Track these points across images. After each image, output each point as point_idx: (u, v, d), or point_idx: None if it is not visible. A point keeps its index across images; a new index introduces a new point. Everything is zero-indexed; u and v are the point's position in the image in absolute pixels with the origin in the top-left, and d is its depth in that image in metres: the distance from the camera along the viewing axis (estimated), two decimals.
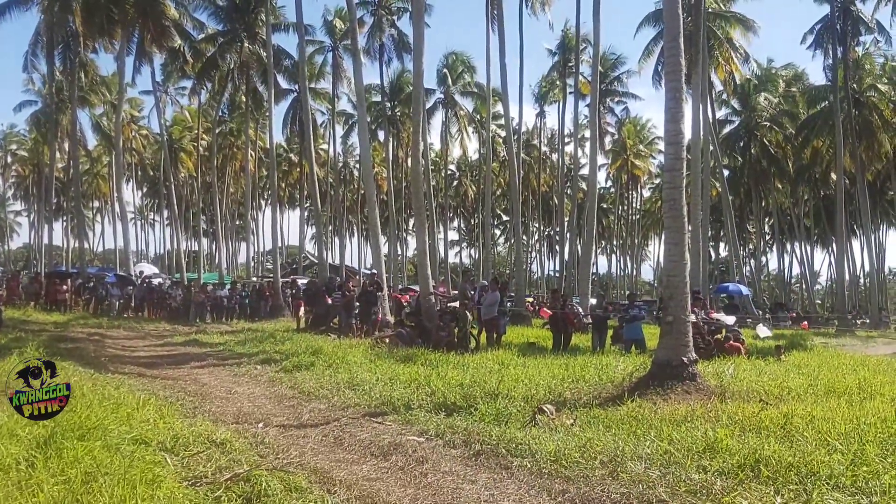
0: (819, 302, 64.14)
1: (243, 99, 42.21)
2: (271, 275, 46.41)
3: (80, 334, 19.66)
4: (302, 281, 33.35)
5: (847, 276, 44.74)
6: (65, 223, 70.22)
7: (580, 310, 20.84)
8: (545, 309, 19.01)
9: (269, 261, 66.22)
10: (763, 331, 18.87)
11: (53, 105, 40.61)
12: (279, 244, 42.42)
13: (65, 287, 29.56)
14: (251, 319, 28.83)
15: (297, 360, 13.52)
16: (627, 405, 8.39)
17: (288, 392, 10.50)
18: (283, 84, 43.22)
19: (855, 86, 43.70)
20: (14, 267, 64.30)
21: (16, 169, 69.81)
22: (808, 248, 61.70)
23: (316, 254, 56.73)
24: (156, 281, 34.93)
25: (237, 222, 70.06)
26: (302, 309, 25.43)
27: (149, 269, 44.27)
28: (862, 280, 53.54)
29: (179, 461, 5.45)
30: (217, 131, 48.92)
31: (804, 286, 65.76)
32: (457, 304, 17.27)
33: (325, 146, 57.51)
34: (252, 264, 59.66)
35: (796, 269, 65.97)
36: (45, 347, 13.01)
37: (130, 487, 3.99)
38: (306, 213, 57.35)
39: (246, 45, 37.69)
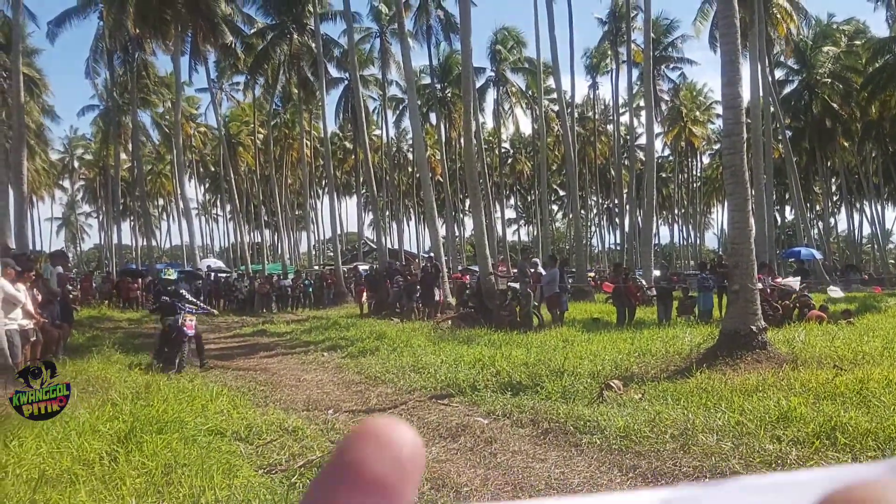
0: (893, 262, 61.83)
1: (295, 90, 42.69)
2: (333, 262, 47.12)
3: (152, 330, 20.31)
4: (363, 267, 33.74)
5: None
6: (132, 222, 72.39)
7: (643, 282, 20.57)
8: (607, 283, 18.79)
9: (330, 249, 67.18)
10: (835, 293, 18.31)
11: (115, 108, 41.78)
12: (338, 232, 42.88)
13: (136, 285, 30.52)
14: (315, 307, 29.37)
15: (361, 345, 13.72)
16: (696, 377, 8.28)
17: (355, 377, 10.67)
18: (334, 73, 43.61)
19: None
20: (87, 268, 66.66)
21: (83, 172, 72.14)
22: (879, 207, 59.48)
23: (375, 239, 57.28)
24: (222, 274, 35.80)
25: (297, 212, 71.11)
26: (364, 295, 25.75)
27: (215, 263, 45.38)
28: None
29: (254, 450, 5.60)
30: (272, 124, 49.65)
31: (876, 246, 63.54)
32: (517, 283, 17.23)
33: (377, 132, 57.83)
34: (313, 253, 60.55)
35: (867, 230, 63.82)
36: (120, 344, 13.50)
37: (208, 478, 4.12)
38: (363, 200, 57.90)
39: (295, 36, 38.10)
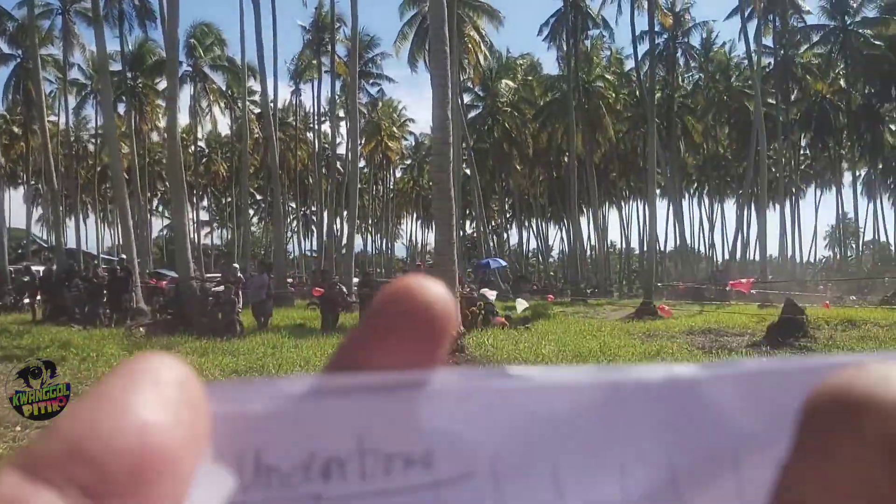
0: (553, 273, 70.31)
1: None
2: None
3: None
4: (37, 268, 30.15)
5: (578, 250, 49.83)
6: None
7: (344, 289, 21.12)
8: (316, 288, 19.03)
9: None
10: (521, 304, 20.37)
11: None
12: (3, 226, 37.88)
13: None
14: None
15: (43, 354, 12.36)
16: None
17: None
18: (4, 48, 38.66)
19: (584, 76, 48.40)
20: None
21: None
22: (544, 225, 67.63)
23: (46, 237, 51.51)
24: None
25: None
26: (38, 298, 23.10)
27: None
28: (589, 252, 59.51)
29: None
30: None
31: (540, 259, 71.94)
32: (221, 288, 16.74)
33: (53, 118, 52.20)
34: None
35: (532, 244, 71.95)
36: None
37: None
38: (32, 192, 51.87)
39: None
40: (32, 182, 55.52)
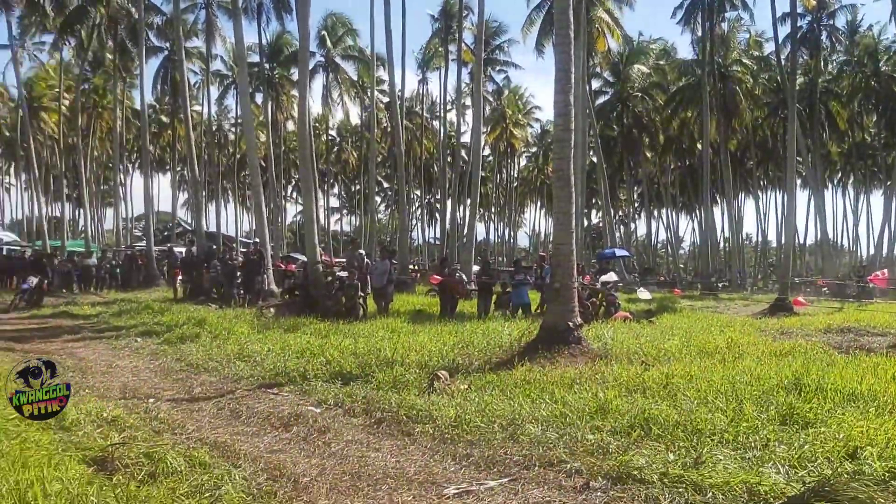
0: (682, 266, 67.95)
1: (109, 56, 39.83)
2: (141, 242, 44.45)
3: None
4: (179, 249, 32.10)
5: (710, 242, 47.83)
6: None
7: (464, 276, 21.18)
8: (435, 276, 19.21)
9: (137, 227, 63.29)
10: (644, 294, 19.78)
11: None
12: (151, 210, 40.49)
13: None
14: (123, 289, 27.57)
15: (180, 331, 13.11)
16: (518, 369, 8.66)
17: (174, 365, 10.18)
18: (154, 41, 41.16)
19: (720, 60, 46.29)
20: None
21: None
22: (674, 215, 65.34)
23: (190, 220, 54.59)
24: (15, 248, 32.73)
25: (103, 187, 66.35)
26: (179, 278, 24.56)
27: (7, 236, 41.35)
28: (722, 245, 57.04)
29: (77, 440, 5.21)
30: (80, 89, 45.95)
31: (669, 251, 69.59)
32: (345, 273, 17.17)
33: (197, 108, 55.20)
34: (122, 231, 56.79)
35: (662, 235, 69.66)
36: None
37: (37, 469, 3.79)
38: (178, 178, 55.10)
39: None
40: (178, 168, 58.88)
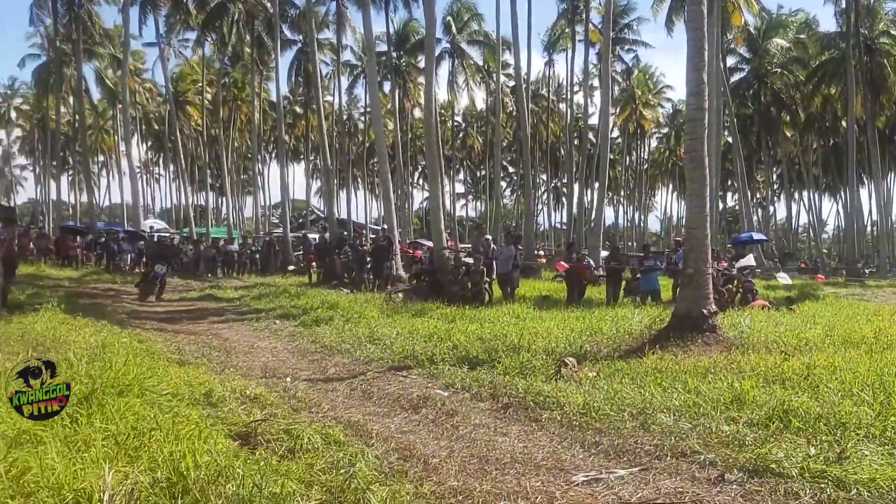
0: (825, 251, 64.12)
1: (247, 50, 41.78)
2: (277, 229, 46.48)
3: (95, 290, 19.84)
4: (312, 236, 33.42)
5: (856, 225, 44.79)
6: (70, 178, 70.12)
7: (592, 262, 20.88)
8: (561, 262, 19.06)
9: (274, 215, 66.22)
10: (784, 278, 18.85)
11: (58, 58, 40.26)
12: (287, 198, 42.34)
13: (76, 243, 29.68)
14: (262, 274, 28.99)
15: (315, 314, 13.64)
16: (649, 357, 8.47)
17: (310, 346, 10.62)
18: (287, 34, 42.83)
19: (866, 32, 43.12)
20: (21, 222, 64.32)
21: (20, 123, 69.45)
22: (817, 197, 61.62)
23: (322, 208, 56.63)
24: (165, 235, 35.04)
25: (242, 176, 69.87)
26: (313, 263, 25.57)
27: (158, 224, 44.35)
28: (869, 229, 53.37)
29: (223, 415, 5.54)
30: (221, 83, 48.55)
31: (811, 235, 65.75)
32: (471, 258, 17.31)
33: (329, 98, 57.02)
34: (261, 219, 59.72)
35: (803, 219, 65.90)
36: (64, 304, 13.08)
37: (188, 441, 4.08)
38: (311, 167, 57.18)
39: None
40: (311, 157, 61.08)
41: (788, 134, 53.97)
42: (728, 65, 46.98)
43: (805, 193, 61.69)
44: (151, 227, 38.58)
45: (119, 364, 6.10)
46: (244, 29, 39.26)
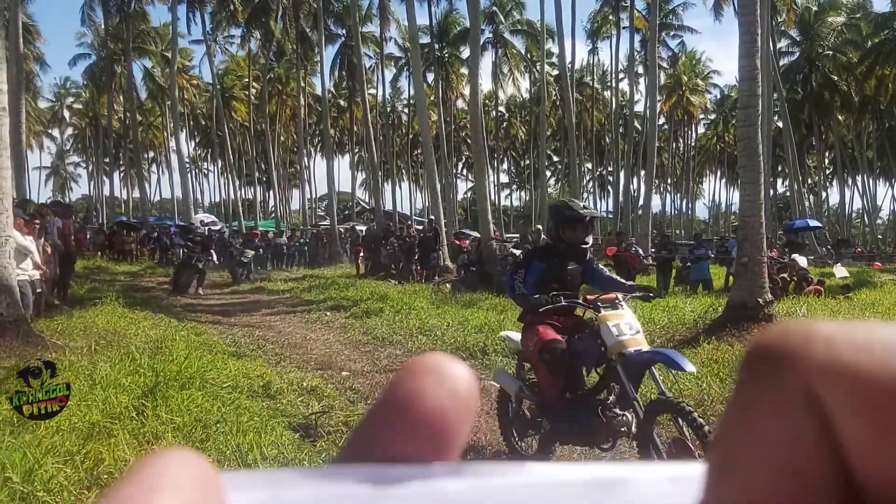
0: (881, 237, 62.37)
1: (290, 45, 42.19)
2: (323, 221, 46.95)
3: (150, 283, 20.30)
4: (360, 227, 33.66)
5: None
6: (122, 174, 71.75)
7: (641, 251, 20.66)
8: (610, 248, 18.93)
9: (320, 207, 66.86)
10: (840, 270, 18.39)
11: (108, 57, 41.21)
12: (333, 190, 42.75)
13: (131, 238, 30.37)
14: (310, 266, 29.28)
15: (365, 306, 13.74)
16: (704, 347, 8.37)
17: (361, 338, 10.71)
18: (332, 28, 43.14)
19: None
20: (75, 218, 65.99)
21: (73, 122, 71.25)
22: (871, 182, 59.91)
23: (367, 199, 56.96)
24: (215, 228, 35.63)
25: (289, 170, 70.65)
26: (360, 255, 25.74)
27: (208, 218, 45.11)
28: None
29: (282, 407, 5.65)
30: (266, 78, 49.17)
31: (866, 221, 63.99)
32: (518, 250, 17.26)
33: (372, 91, 57.29)
34: (307, 211, 60.39)
35: (857, 204, 64.18)
36: (122, 297, 13.43)
37: (253, 434, 4.17)
38: (356, 159, 57.51)
39: None
40: (356, 150, 61.45)
41: (841, 118, 52.57)
42: (778, 47, 45.89)
43: (858, 178, 60.05)
44: (202, 221, 39.23)
45: (180, 357, 6.25)
46: (289, 24, 39.65)
